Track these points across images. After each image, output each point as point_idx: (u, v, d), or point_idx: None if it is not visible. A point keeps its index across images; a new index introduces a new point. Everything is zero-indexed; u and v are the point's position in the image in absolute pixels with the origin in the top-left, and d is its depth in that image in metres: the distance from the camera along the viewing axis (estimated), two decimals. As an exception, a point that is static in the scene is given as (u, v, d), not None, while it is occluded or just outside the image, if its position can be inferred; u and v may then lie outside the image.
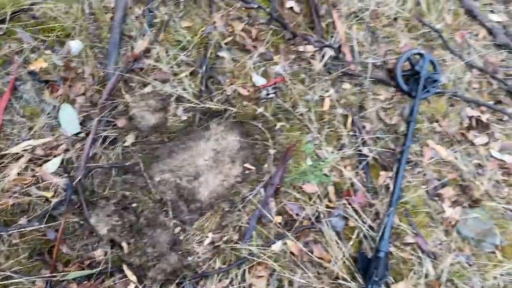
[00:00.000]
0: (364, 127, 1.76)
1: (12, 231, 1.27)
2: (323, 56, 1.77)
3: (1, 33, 1.42)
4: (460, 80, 2.05)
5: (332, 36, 1.81)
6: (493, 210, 1.81)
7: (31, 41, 1.43)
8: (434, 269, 1.58)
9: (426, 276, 1.58)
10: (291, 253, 1.47)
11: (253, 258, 1.41)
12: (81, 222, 1.36)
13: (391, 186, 1.68)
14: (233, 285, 1.40)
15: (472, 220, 1.80)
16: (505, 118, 2.05)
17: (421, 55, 1.90)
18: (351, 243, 1.55)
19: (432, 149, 1.86)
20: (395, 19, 2.01)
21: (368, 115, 1.79)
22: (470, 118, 2.02)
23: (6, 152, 1.33)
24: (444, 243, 1.68)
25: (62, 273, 1.28)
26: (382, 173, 1.73)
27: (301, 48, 1.76)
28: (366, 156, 1.71)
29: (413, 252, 1.61)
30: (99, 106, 1.39)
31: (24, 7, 1.45)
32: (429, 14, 2.06)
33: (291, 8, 1.84)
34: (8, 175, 1.30)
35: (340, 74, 1.78)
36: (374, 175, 1.72)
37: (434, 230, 1.68)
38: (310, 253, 1.50)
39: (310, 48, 1.77)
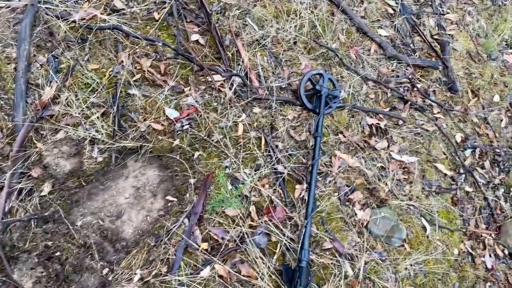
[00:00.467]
0: (277, 146, 2.12)
1: None
2: (232, 84, 2.09)
3: None
4: (358, 93, 2.51)
5: (238, 64, 2.16)
6: (397, 207, 2.25)
7: None
8: (352, 269, 1.94)
9: (346, 277, 1.94)
10: (220, 276, 1.75)
11: None
12: (4, 279, 1.48)
13: (306, 198, 2.01)
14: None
15: (381, 219, 2.21)
16: (400, 122, 2.52)
17: (320, 75, 2.30)
18: (275, 257, 1.88)
19: (340, 159, 2.27)
20: (295, 42, 2.42)
21: (280, 134, 2.15)
22: (370, 126, 2.48)
23: None
24: (358, 243, 2.04)
25: None
26: (297, 186, 2.09)
27: (210, 79, 2.04)
28: (282, 173, 2.06)
29: (332, 257, 1.95)
30: (12, 159, 1.54)
31: None
32: (324, 35, 2.51)
33: (197, 41, 2.16)
34: None
35: (249, 99, 2.10)
36: (291, 190, 2.07)
37: (349, 233, 2.06)
38: (238, 273, 1.77)
39: (219, 77, 2.06)
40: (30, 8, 1.88)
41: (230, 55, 2.27)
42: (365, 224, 2.21)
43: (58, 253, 1.59)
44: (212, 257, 1.80)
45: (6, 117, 1.71)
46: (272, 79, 2.33)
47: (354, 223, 2.18)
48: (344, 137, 2.41)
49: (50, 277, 1.56)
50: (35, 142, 1.71)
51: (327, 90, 2.33)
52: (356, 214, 2.21)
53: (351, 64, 2.66)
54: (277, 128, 2.23)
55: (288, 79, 2.38)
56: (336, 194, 2.22)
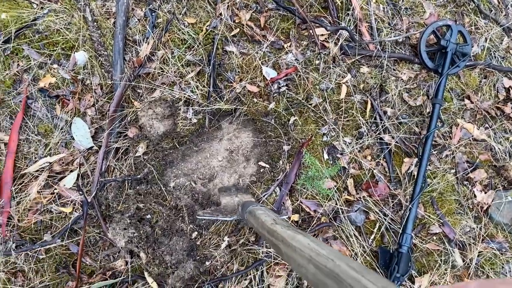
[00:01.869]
0: (385, 112, 1.95)
1: (37, 248, 1.56)
2: (338, 39, 1.91)
3: (8, 52, 1.65)
4: (496, 48, 2.19)
5: (347, 14, 1.97)
6: (531, 192, 1.96)
7: (37, 57, 1.69)
8: (462, 259, 1.77)
9: (453, 266, 1.78)
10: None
11: (270, 259, 1.65)
12: (101, 235, 1.63)
13: (416, 174, 1.84)
14: (252, 286, 1.65)
15: (507, 204, 1.97)
16: (549, 87, 2.14)
17: (448, 26, 2.02)
18: (372, 237, 1.78)
19: (462, 129, 2.03)
20: (419, -15, 2.10)
21: (390, 98, 1.97)
22: (508, 89, 2.14)
23: (26, 171, 1.63)
24: (474, 230, 1.85)
25: (87, 284, 1.57)
26: (406, 160, 1.93)
27: (316, 31, 1.90)
28: (388, 143, 1.91)
29: (439, 243, 1.79)
30: (109, 118, 1.62)
31: (28, 23, 1.69)
32: (458, -26, 2.13)
33: (301, -13, 1.97)
34: (29, 194, 1.60)
35: (357, 57, 1.93)
36: (397, 163, 1.92)
37: (463, 217, 1.89)
38: (330, 249, 1.70)
39: (323, 31, 1.91)
40: (129, -43, 1.89)
41: (339, 3, 2.06)
42: (485, 208, 1.99)
43: (148, 216, 1.70)
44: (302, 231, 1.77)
45: (106, 74, 1.81)
46: (387, 32, 2.09)
47: (471, 207, 1.97)
48: (471, 102, 2.12)
49: (141, 238, 1.69)
50: (132, 100, 1.78)
51: (454, 46, 2.04)
52: (475, 196, 1.99)
53: (491, 11, 2.26)
54: (387, 90, 2.03)
55: (406, 32, 2.12)
56: (453, 171, 2.01)
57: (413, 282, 1.83)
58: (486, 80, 2.18)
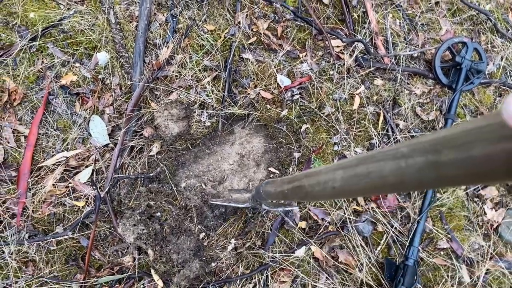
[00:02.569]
0: (397, 125, 1.99)
1: (49, 239, 1.64)
2: (353, 51, 1.97)
3: (34, 49, 1.76)
4: None
5: (364, 27, 2.04)
6: (543, 212, 1.98)
7: (61, 55, 1.79)
8: (470, 276, 1.79)
9: (460, 283, 1.81)
10: (315, 259, 1.76)
11: (275, 264, 1.69)
12: (111, 230, 1.70)
13: (426, 188, 1.87)
14: (257, 289, 1.70)
15: (518, 223, 1.96)
16: None
17: (464, 43, 2.06)
18: (378, 248, 1.81)
19: (475, 146, 2.01)
20: (437, 3, 2.22)
21: (403, 111, 2.01)
22: (523, 109, 2.14)
23: (43, 164, 1.72)
24: (482, 248, 1.87)
25: (94, 278, 1.64)
26: (417, 174, 1.92)
27: (331, 43, 1.97)
28: (399, 156, 1.91)
29: (446, 258, 1.82)
30: (126, 117, 1.71)
31: (54, 22, 1.79)
32: (476, -7, 2.19)
33: (320, 0, 2.04)
34: (45, 187, 1.68)
35: (372, 69, 1.98)
36: (407, 177, 1.92)
37: (472, 234, 1.91)
38: (335, 259, 1.75)
39: (339, 43, 1.98)
40: (154, -35, 1.99)
41: (356, 17, 2.14)
42: (495, 226, 2.01)
43: (158, 214, 1.76)
44: (308, 239, 1.82)
45: (125, 75, 1.90)
46: (402, 46, 2.15)
47: (480, 224, 1.99)
48: (485, 120, 2.14)
49: (150, 235, 1.75)
50: (150, 101, 1.87)
51: (469, 63, 2.08)
52: (485, 214, 2.01)
53: (507, 30, 2.31)
54: (400, 104, 2.08)
55: (422, 47, 2.18)
56: (464, 187, 2.02)
57: (418, 296, 1.85)
58: (501, 98, 2.22)
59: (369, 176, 0.68)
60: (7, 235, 1.69)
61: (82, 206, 1.77)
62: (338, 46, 2.10)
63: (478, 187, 2.05)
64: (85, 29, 1.89)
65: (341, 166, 0.81)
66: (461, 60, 2.08)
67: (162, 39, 1.96)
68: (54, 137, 1.83)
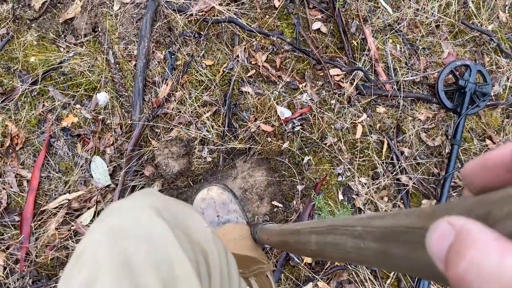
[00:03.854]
0: (402, 152, 2.01)
1: (52, 284, 1.69)
2: (353, 79, 2.01)
3: (35, 93, 1.84)
4: None
5: (364, 54, 2.06)
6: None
7: (61, 98, 1.86)
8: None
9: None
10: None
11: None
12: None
13: (434, 217, 1.88)
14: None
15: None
16: None
17: (467, 66, 2.09)
18: (388, 282, 1.82)
19: (484, 171, 2.03)
20: (437, 26, 2.23)
21: (407, 138, 2.03)
22: (532, 130, 2.16)
23: (45, 207, 1.77)
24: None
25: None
26: (424, 201, 1.97)
27: (330, 72, 2.02)
28: (405, 184, 1.95)
29: None
30: (126, 157, 1.77)
31: (54, 66, 1.87)
32: (478, 15, 2.24)
33: (318, 29, 2.12)
34: (48, 230, 1.73)
35: (373, 97, 2.01)
36: (415, 205, 1.97)
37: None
38: (343, 293, 1.77)
39: (338, 71, 2.03)
40: (151, 2, 2.08)
41: (355, 44, 2.19)
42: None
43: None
44: (315, 275, 1.84)
45: (125, 114, 1.97)
46: (403, 71, 2.19)
47: (494, 252, 1.98)
48: (493, 143, 2.17)
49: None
50: (150, 139, 1.93)
51: (473, 86, 2.11)
52: (497, 241, 1.99)
53: (512, 50, 2.33)
54: (404, 130, 2.11)
55: (424, 71, 2.22)
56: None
57: (431, 330, 1.85)
58: (508, 119, 2.24)
59: (338, 248, 0.71)
60: (10, 282, 1.74)
61: (85, 249, 1.82)
62: (338, 75, 2.15)
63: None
64: (85, 70, 1.97)
65: (315, 230, 0.84)
66: (464, 84, 2.11)
67: (161, 76, 2.03)
68: (56, 180, 1.89)
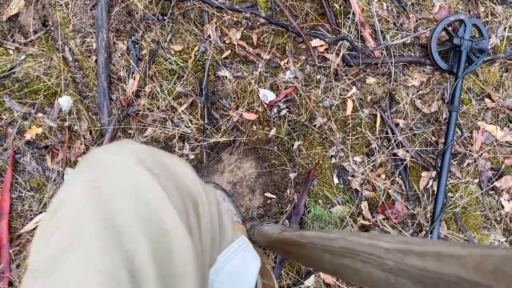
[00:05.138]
0: (397, 124, 1.95)
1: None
2: (339, 49, 1.91)
3: (-11, 106, 1.71)
4: None
5: (348, 18, 1.94)
6: None
7: (20, 108, 1.74)
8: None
9: None
10: (327, 285, 1.77)
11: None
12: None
13: (435, 189, 1.85)
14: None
15: (538, 212, 1.95)
16: None
17: (461, 21, 1.98)
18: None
19: (484, 132, 2.00)
20: (425, -25, 2.07)
21: (401, 108, 1.97)
22: (533, 82, 2.10)
23: (22, 231, 1.70)
24: (503, 244, 1.87)
25: None
26: (424, 174, 1.94)
27: (313, 44, 1.91)
28: (403, 159, 1.90)
29: (465, 263, 1.81)
30: (102, 166, 1.67)
31: (5, 72, 1.73)
32: (469, -43, 2.08)
33: (295, -4, 1.96)
34: (28, 255, 1.66)
35: (362, 66, 1.92)
36: (414, 179, 1.93)
37: (490, 231, 1.88)
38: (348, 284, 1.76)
39: (322, 42, 1.91)
40: (105, -16, 1.90)
41: (338, 7, 2.05)
42: (514, 219, 1.99)
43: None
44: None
45: (93, 117, 1.85)
46: (393, 33, 2.06)
47: (498, 219, 1.98)
48: (492, 101, 2.10)
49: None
50: (124, 143, 1.83)
51: (469, 43, 2.00)
52: (502, 207, 1.99)
53: (509, -4, 2.21)
54: (398, 100, 2.03)
55: (415, 31, 2.09)
56: (477, 181, 2.01)
57: (439, 308, 1.86)
58: (507, 74, 2.15)
59: (360, 274, 0.67)
60: (-3, 317, 1.70)
61: (71, 270, 1.77)
62: (321, 45, 2.02)
63: (492, 178, 2.03)
64: (41, 74, 1.82)
65: (327, 249, 0.79)
66: (459, 42, 2.00)
67: (127, 70, 1.89)
68: (29, 199, 1.80)
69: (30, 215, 1.79)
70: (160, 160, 0.76)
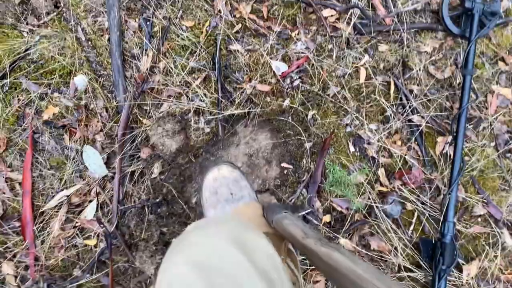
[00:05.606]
0: (411, 91, 1.97)
1: (68, 285, 1.70)
2: (350, 18, 1.93)
3: (7, 88, 1.76)
4: None
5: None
6: None
7: (36, 88, 1.78)
8: (513, 238, 1.84)
9: (503, 249, 1.83)
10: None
11: (305, 267, 1.74)
12: (129, 263, 1.76)
13: (452, 154, 1.87)
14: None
15: (557, 173, 1.97)
16: None
17: (471, -16, 1.99)
18: (411, 228, 1.84)
19: (499, 96, 2.01)
20: None
21: (415, 74, 1.99)
22: (547, 44, 2.11)
23: (45, 208, 1.75)
24: (523, 206, 1.90)
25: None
26: (439, 139, 1.96)
27: (324, 14, 1.93)
28: (418, 125, 1.92)
29: (484, 225, 1.84)
30: (118, 143, 1.72)
31: (21, 54, 1.77)
32: None
33: (303, -35, 1.98)
34: (52, 231, 1.72)
35: (373, 34, 1.94)
36: (430, 145, 1.95)
37: (509, 193, 1.89)
38: (367, 248, 1.79)
39: (333, 11, 1.93)
40: (114, -38, 1.93)
41: (347, -24, 2.06)
42: (532, 179, 2.00)
43: (174, 239, 1.80)
44: (336, 233, 1.85)
45: (109, 95, 1.89)
46: (403, 0, 2.07)
47: (516, 180, 1.99)
48: (506, 64, 2.11)
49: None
50: (141, 119, 1.87)
51: (481, 6, 2.01)
52: (520, 168, 2.00)
53: (520, -45, 2.21)
54: (411, 66, 2.04)
55: (425, -3, 2.10)
56: (493, 144, 2.02)
57: (460, 271, 1.89)
58: (521, 35, 2.16)
59: None
60: (24, 291, 1.76)
61: (95, 245, 1.82)
62: (332, 15, 2.04)
63: (509, 141, 2.04)
64: (55, 54, 1.87)
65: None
66: (471, 5, 2.00)
67: (140, 48, 1.92)
68: (50, 177, 1.85)
69: (52, 192, 1.83)
70: (245, 240, 0.96)
